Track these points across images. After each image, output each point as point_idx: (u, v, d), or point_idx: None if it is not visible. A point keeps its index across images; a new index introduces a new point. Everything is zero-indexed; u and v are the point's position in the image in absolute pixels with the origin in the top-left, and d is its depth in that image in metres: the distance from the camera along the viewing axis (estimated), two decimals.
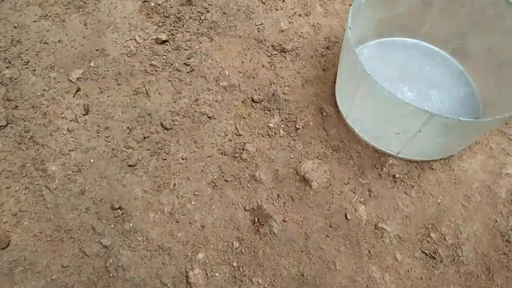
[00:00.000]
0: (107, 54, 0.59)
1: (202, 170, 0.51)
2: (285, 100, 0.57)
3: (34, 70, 0.58)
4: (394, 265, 0.46)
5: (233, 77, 0.58)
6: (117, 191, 0.49)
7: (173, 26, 0.63)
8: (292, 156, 0.52)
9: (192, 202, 0.49)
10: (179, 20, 0.64)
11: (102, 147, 0.52)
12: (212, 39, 0.62)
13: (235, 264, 0.45)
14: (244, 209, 0.49)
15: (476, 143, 0.54)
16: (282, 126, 0.55)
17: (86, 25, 0.62)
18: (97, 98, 0.56)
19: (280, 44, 0.62)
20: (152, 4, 0.65)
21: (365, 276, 0.45)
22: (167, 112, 0.55)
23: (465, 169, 0.52)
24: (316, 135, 0.54)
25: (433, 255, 0.47)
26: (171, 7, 0.65)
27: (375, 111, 0.48)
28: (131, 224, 0.47)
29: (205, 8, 0.65)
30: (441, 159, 0.53)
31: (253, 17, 0.64)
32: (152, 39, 0.61)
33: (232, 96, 0.57)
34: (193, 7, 0.65)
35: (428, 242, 0.47)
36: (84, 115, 0.55)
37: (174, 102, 0.56)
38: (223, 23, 0.64)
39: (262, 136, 0.54)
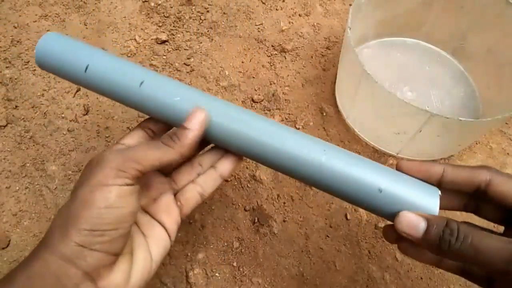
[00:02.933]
0: None
1: None
2: (285, 100, 0.57)
3: (34, 70, 0.57)
4: (394, 265, 0.46)
5: (233, 77, 0.58)
6: None
7: (173, 26, 0.63)
8: None
9: None
10: (179, 20, 0.64)
11: (102, 147, 0.52)
12: (212, 39, 0.62)
13: (235, 264, 0.45)
14: (244, 209, 0.49)
15: (476, 143, 0.54)
16: None
17: (86, 25, 0.62)
18: (97, 98, 0.56)
19: (280, 44, 0.62)
20: (152, 4, 0.65)
21: (365, 276, 0.45)
22: None
23: None
24: (316, 135, 0.54)
25: None
26: (171, 7, 0.65)
27: (375, 111, 0.48)
28: None
29: (205, 8, 0.65)
30: (441, 159, 0.53)
31: (253, 17, 0.64)
32: (152, 39, 0.61)
33: (232, 96, 0.57)
34: (193, 7, 0.65)
35: None
36: (84, 115, 0.55)
37: None
38: (223, 23, 0.64)
39: None
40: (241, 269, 0.45)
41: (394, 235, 0.29)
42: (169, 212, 0.32)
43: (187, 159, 0.35)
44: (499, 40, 0.52)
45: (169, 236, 0.31)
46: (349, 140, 0.53)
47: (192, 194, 0.33)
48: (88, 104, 0.55)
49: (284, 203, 0.49)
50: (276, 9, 0.65)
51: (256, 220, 0.48)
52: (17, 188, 0.49)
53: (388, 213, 0.28)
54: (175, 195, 0.33)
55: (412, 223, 0.25)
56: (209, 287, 0.44)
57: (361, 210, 0.49)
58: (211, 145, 0.35)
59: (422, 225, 0.25)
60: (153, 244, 0.29)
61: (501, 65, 0.52)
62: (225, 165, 0.34)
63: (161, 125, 0.35)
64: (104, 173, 0.26)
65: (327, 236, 0.47)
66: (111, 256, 0.25)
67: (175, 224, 0.31)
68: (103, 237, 0.25)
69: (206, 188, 0.33)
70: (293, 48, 0.61)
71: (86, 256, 0.24)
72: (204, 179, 0.34)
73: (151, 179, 0.33)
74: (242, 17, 0.64)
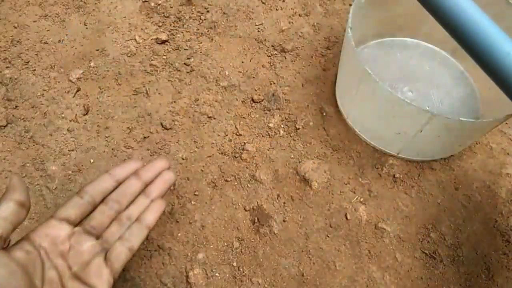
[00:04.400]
0: (107, 54, 0.59)
1: (202, 170, 0.51)
2: (285, 100, 0.57)
3: (34, 70, 0.57)
4: (394, 265, 0.46)
5: (233, 77, 0.58)
6: None
7: (173, 26, 0.63)
8: (292, 156, 0.52)
9: (192, 202, 0.49)
10: (179, 20, 0.64)
11: (102, 147, 0.52)
12: (212, 39, 0.62)
13: (235, 264, 0.45)
14: (244, 209, 0.49)
15: (476, 143, 0.54)
16: (282, 126, 0.55)
17: (86, 25, 0.62)
18: (97, 98, 0.56)
19: (280, 44, 0.62)
20: (152, 4, 0.65)
21: (365, 276, 0.45)
22: (167, 112, 0.55)
23: (465, 169, 0.52)
24: (316, 135, 0.54)
25: (433, 255, 0.47)
26: (171, 7, 0.65)
27: (376, 111, 0.48)
28: None
29: (205, 8, 0.65)
30: (441, 159, 0.53)
31: (253, 17, 0.64)
32: (152, 39, 0.61)
33: (232, 96, 0.57)
34: (193, 7, 0.65)
35: (428, 242, 0.47)
36: (84, 115, 0.55)
37: (174, 102, 0.56)
38: (223, 23, 0.64)
39: (262, 136, 0.54)
40: (241, 269, 0.45)
41: None
42: (100, 275, 0.33)
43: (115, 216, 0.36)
44: None
45: None
46: (349, 140, 0.53)
47: (121, 250, 0.34)
48: (88, 104, 0.55)
49: (284, 203, 0.49)
50: (276, 9, 0.65)
51: (256, 220, 0.48)
52: None
53: None
54: (106, 254, 0.34)
55: None
56: (209, 287, 0.44)
57: (361, 210, 0.49)
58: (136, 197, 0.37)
59: None
60: None
61: None
62: (150, 216, 0.36)
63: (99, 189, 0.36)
64: None
65: (327, 236, 0.47)
66: None
67: (106, 284, 0.33)
68: None
69: (134, 242, 0.35)
70: (293, 48, 0.61)
71: None
72: (131, 233, 0.35)
73: (83, 244, 0.34)
74: (242, 17, 0.64)
